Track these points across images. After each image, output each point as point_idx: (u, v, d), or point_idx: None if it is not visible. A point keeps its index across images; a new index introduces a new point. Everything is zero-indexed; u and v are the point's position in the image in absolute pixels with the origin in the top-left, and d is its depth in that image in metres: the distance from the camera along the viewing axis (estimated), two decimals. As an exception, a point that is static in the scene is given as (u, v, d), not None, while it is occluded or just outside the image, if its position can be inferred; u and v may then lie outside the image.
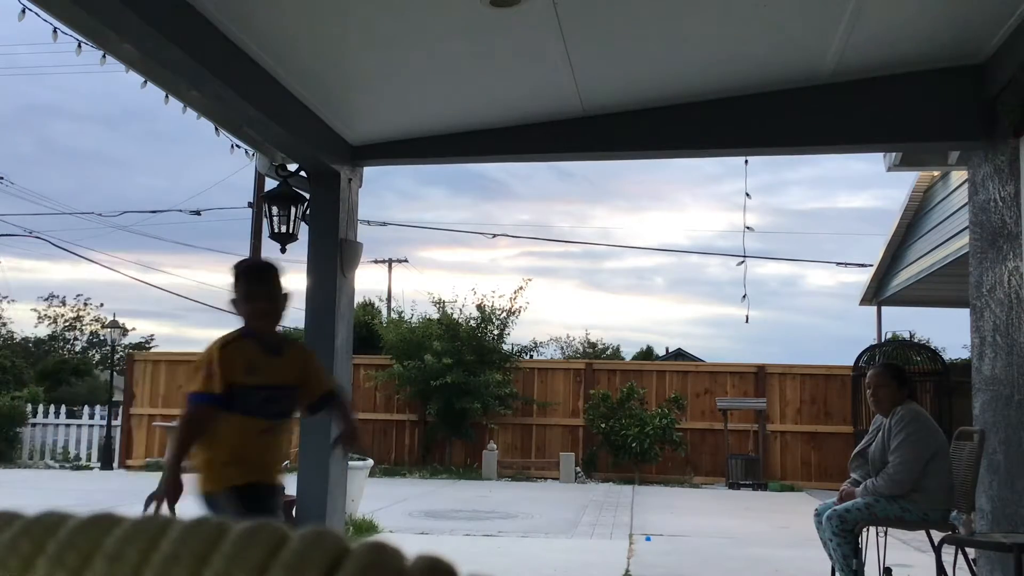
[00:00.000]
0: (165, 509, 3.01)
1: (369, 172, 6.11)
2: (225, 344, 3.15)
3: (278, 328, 3.28)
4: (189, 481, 3.08)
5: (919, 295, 12.21)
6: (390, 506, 9.13)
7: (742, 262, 8.18)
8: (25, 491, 10.75)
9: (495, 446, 13.78)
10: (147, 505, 3.02)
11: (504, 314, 14.56)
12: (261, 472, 3.18)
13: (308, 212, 5.79)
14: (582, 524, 8.53)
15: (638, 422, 13.28)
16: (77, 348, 37.82)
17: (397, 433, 14.63)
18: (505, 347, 14.71)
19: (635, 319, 53.38)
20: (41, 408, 15.87)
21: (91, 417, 15.78)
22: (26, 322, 55.41)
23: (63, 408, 16.03)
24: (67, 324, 37.72)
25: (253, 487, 3.15)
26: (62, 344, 37.52)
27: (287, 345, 3.30)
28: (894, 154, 6.99)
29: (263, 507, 3.19)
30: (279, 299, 3.20)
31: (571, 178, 64.92)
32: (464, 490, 11.56)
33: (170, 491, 2.98)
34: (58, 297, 37.79)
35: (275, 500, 3.31)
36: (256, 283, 3.16)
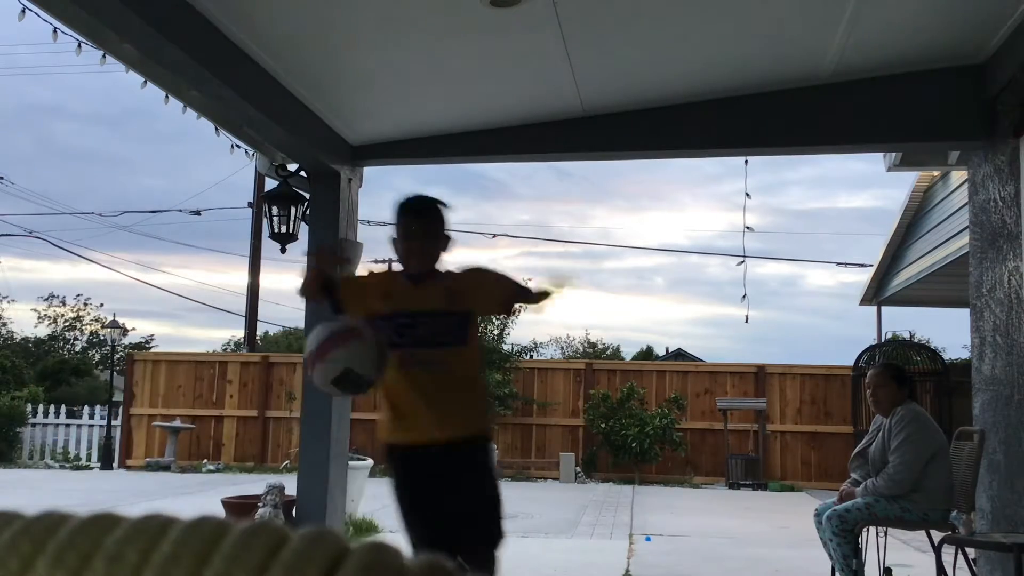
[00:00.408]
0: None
1: (369, 172, 6.11)
2: (371, 271, 3.14)
3: (436, 269, 2.96)
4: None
5: (919, 295, 12.21)
6: (390, 506, 9.13)
7: (742, 262, 8.19)
8: (25, 491, 10.74)
9: (495, 446, 13.77)
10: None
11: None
12: (418, 425, 2.85)
13: (308, 212, 5.79)
14: (582, 524, 8.53)
15: (638, 422, 13.28)
16: (77, 348, 37.81)
17: (397, 433, 14.63)
18: (505, 347, 14.71)
19: (635, 319, 53.42)
20: (41, 408, 15.87)
21: (91, 417, 15.78)
22: (26, 322, 55.50)
23: (63, 408, 16.03)
24: (67, 324, 37.72)
25: (408, 450, 2.89)
26: (62, 344, 37.51)
27: (436, 275, 2.94)
28: (894, 154, 6.99)
29: (418, 474, 2.89)
30: (435, 239, 2.92)
31: (571, 178, 64.98)
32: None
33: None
34: (58, 297, 37.82)
35: (436, 463, 2.87)
36: (411, 220, 2.89)
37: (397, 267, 3.03)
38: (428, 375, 2.83)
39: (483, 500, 2.92)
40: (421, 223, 2.89)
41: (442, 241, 2.93)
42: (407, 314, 2.86)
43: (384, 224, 22.03)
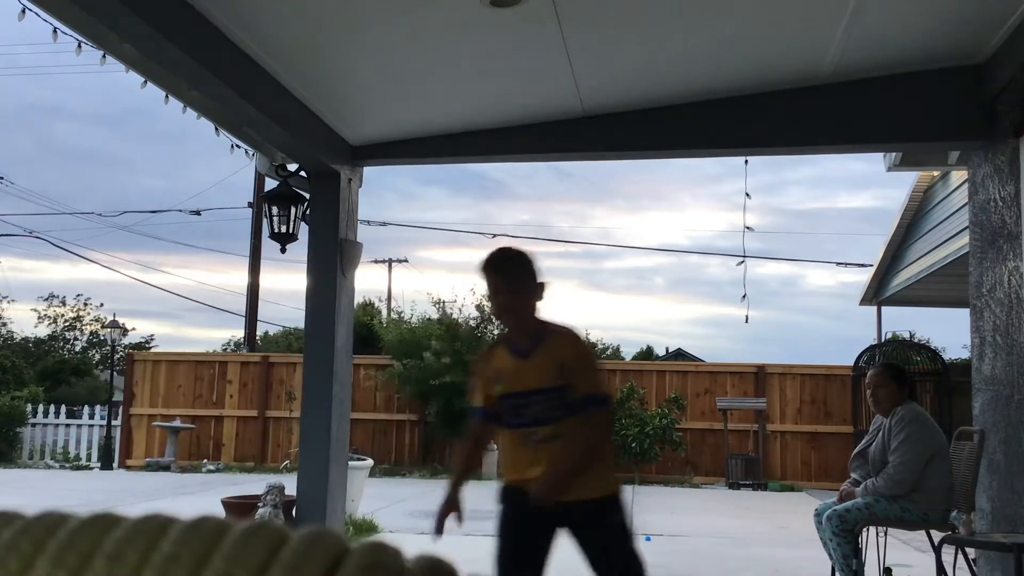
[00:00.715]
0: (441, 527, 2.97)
1: (369, 172, 6.11)
2: (480, 354, 3.09)
3: (535, 322, 2.88)
4: (464, 499, 2.96)
5: (919, 295, 12.20)
6: (390, 506, 9.13)
7: (742, 262, 8.19)
8: (25, 491, 10.74)
9: (495, 446, 13.77)
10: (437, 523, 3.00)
11: (504, 314, 14.56)
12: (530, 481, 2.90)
13: (308, 212, 5.79)
14: (582, 524, 8.52)
15: (638, 422, 13.28)
16: (77, 348, 37.81)
17: (397, 433, 14.64)
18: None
19: (635, 319, 53.44)
20: (41, 408, 15.87)
21: (91, 417, 15.78)
22: (26, 322, 55.51)
23: (63, 408, 16.04)
24: (67, 324, 37.72)
25: (516, 487, 2.94)
26: (62, 344, 37.51)
27: (540, 343, 2.85)
28: (894, 154, 6.99)
29: (531, 514, 2.90)
30: (522, 292, 2.83)
31: (571, 178, 65.04)
32: (464, 490, 11.54)
33: (442, 511, 3.01)
34: (58, 297, 37.82)
35: (553, 518, 2.88)
36: (494, 277, 2.84)
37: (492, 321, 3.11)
38: (546, 450, 2.82)
39: (611, 555, 2.91)
40: (505, 279, 2.84)
41: (532, 292, 2.86)
42: (520, 394, 2.84)
43: (385, 224, 22.03)
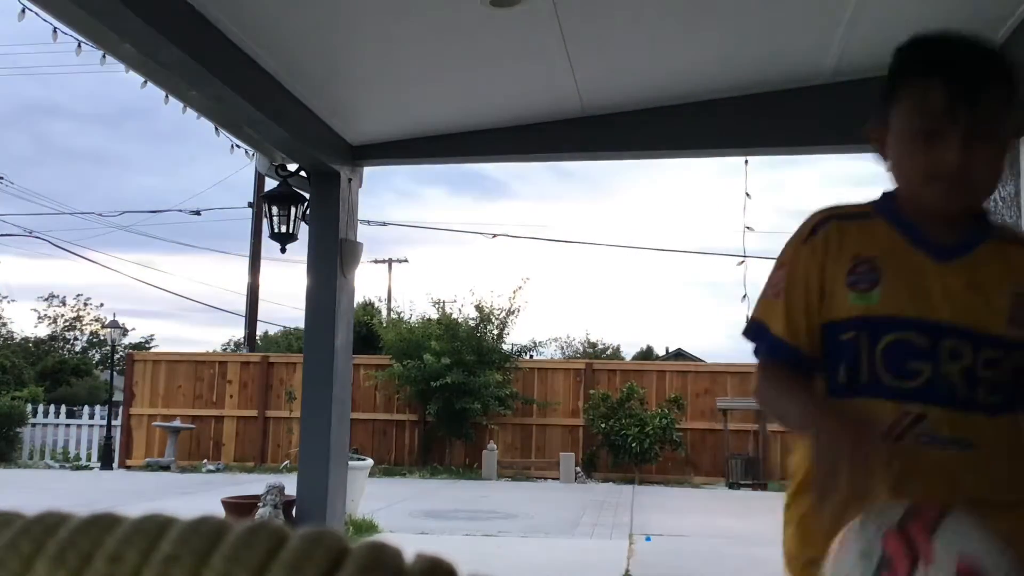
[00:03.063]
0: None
1: (369, 172, 6.12)
2: (813, 232, 1.45)
3: (979, 208, 1.47)
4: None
5: (919, 295, 12.21)
6: (390, 506, 9.13)
7: (742, 262, 8.19)
8: (25, 491, 10.75)
9: (495, 446, 13.78)
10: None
11: (504, 314, 14.57)
12: None
13: (308, 212, 5.80)
14: (582, 524, 8.53)
15: (638, 422, 13.29)
16: (77, 348, 37.81)
17: (397, 433, 14.65)
18: (505, 347, 14.72)
19: (635, 318, 53.49)
20: (41, 408, 15.88)
21: (91, 417, 15.79)
22: (26, 322, 55.54)
23: (63, 408, 16.04)
24: (67, 324, 37.72)
25: None
26: (62, 344, 37.50)
27: (981, 242, 1.41)
28: (894, 154, 6.99)
29: None
30: (994, 142, 1.40)
31: (571, 178, 65.05)
32: (464, 490, 11.57)
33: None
34: (58, 297, 37.80)
35: None
36: (949, 95, 1.41)
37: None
38: (945, 462, 1.32)
39: None
40: (984, 109, 1.38)
41: (1006, 148, 1.43)
42: (919, 325, 1.35)
43: (385, 224, 21.93)
